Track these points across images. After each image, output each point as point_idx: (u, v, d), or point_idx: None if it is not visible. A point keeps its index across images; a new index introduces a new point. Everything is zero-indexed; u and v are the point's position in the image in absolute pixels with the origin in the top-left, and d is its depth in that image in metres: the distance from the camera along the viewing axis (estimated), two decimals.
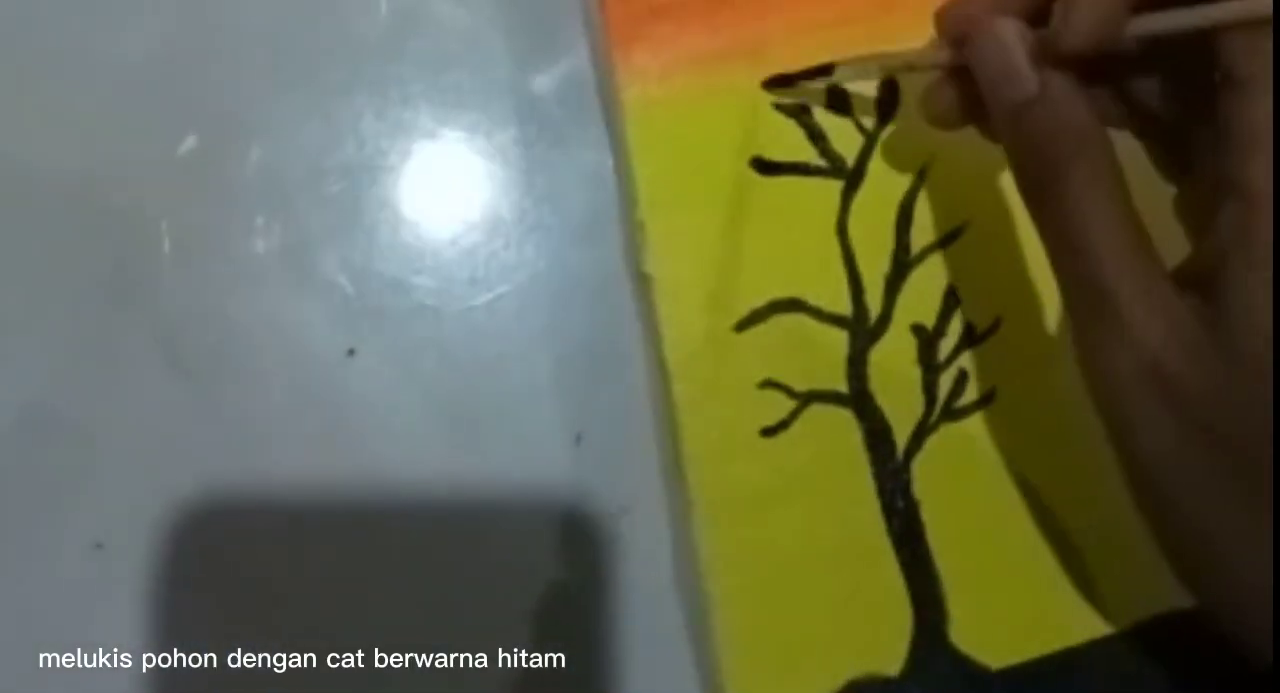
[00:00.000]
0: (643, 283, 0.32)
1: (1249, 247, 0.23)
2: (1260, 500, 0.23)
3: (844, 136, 0.32)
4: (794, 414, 0.31)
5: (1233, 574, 0.24)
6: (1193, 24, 0.25)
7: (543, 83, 0.34)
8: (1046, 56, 0.26)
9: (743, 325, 0.31)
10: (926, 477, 0.30)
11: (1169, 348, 0.24)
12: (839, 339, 0.31)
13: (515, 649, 0.31)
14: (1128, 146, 0.28)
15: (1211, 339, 0.24)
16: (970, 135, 0.32)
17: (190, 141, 0.33)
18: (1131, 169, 0.26)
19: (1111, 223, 0.25)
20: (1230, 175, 0.24)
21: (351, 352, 0.32)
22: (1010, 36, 0.26)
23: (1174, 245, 0.27)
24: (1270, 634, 0.24)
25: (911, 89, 0.32)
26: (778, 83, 0.32)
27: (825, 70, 0.31)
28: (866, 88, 0.33)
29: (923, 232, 0.32)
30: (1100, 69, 0.28)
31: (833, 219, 0.32)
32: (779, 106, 0.32)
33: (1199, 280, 0.25)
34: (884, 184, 0.32)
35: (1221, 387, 0.23)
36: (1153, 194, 0.28)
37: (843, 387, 0.31)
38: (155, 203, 0.32)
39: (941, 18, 0.29)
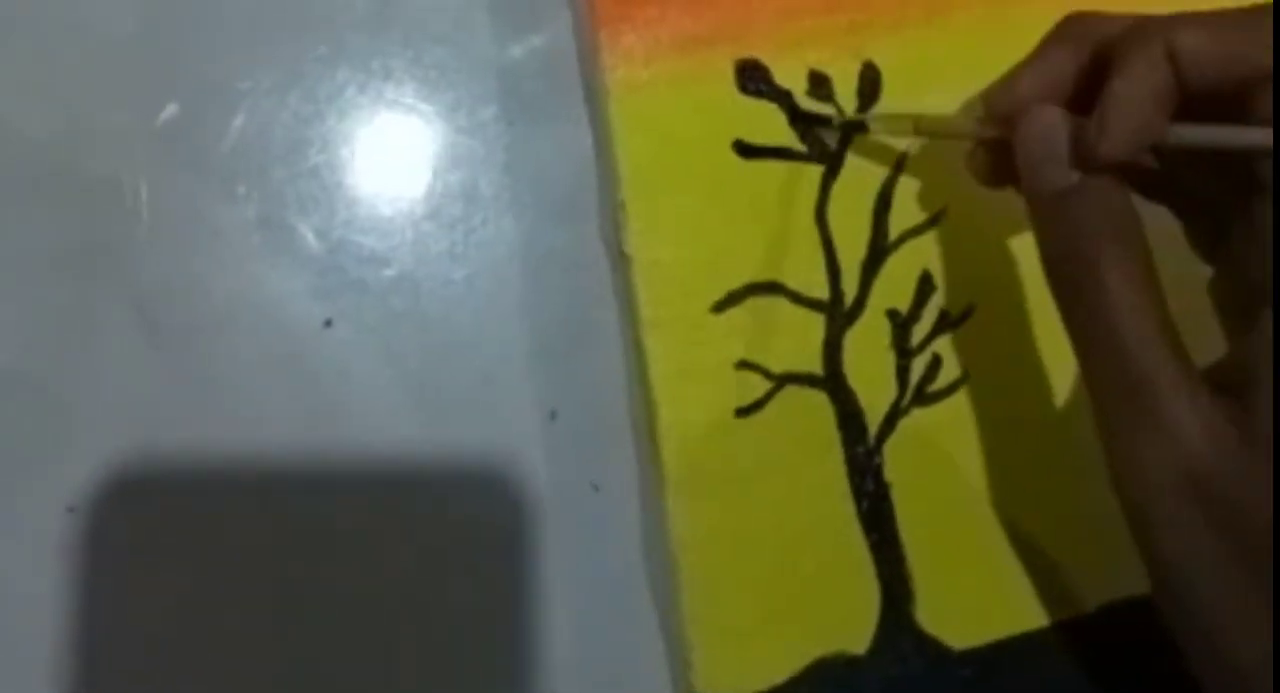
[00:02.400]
0: (622, 262, 0.32)
1: None
2: None
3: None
4: (769, 395, 0.31)
5: (1257, 683, 0.24)
6: (1231, 143, 0.25)
7: (524, 60, 0.34)
8: (1086, 152, 0.26)
9: (720, 307, 0.31)
10: (897, 460, 0.31)
11: (1204, 452, 0.24)
12: (815, 322, 0.32)
13: (482, 623, 0.31)
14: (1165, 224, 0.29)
15: (1247, 447, 0.23)
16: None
17: (171, 110, 0.33)
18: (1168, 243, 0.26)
19: (1146, 322, 0.25)
20: (1266, 285, 0.24)
21: (329, 322, 0.32)
22: (1053, 124, 0.26)
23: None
24: None
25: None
26: (814, 121, 0.32)
27: (860, 126, 0.32)
28: (848, 74, 0.33)
29: (900, 218, 0.32)
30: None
31: (812, 204, 0.32)
32: (758, 91, 0.32)
33: (1233, 383, 0.24)
34: (863, 170, 0.32)
35: (1258, 497, 0.23)
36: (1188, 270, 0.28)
37: (818, 369, 0.31)
38: (134, 170, 0.32)
39: (989, 96, 0.29)
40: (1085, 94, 0.27)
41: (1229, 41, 0.25)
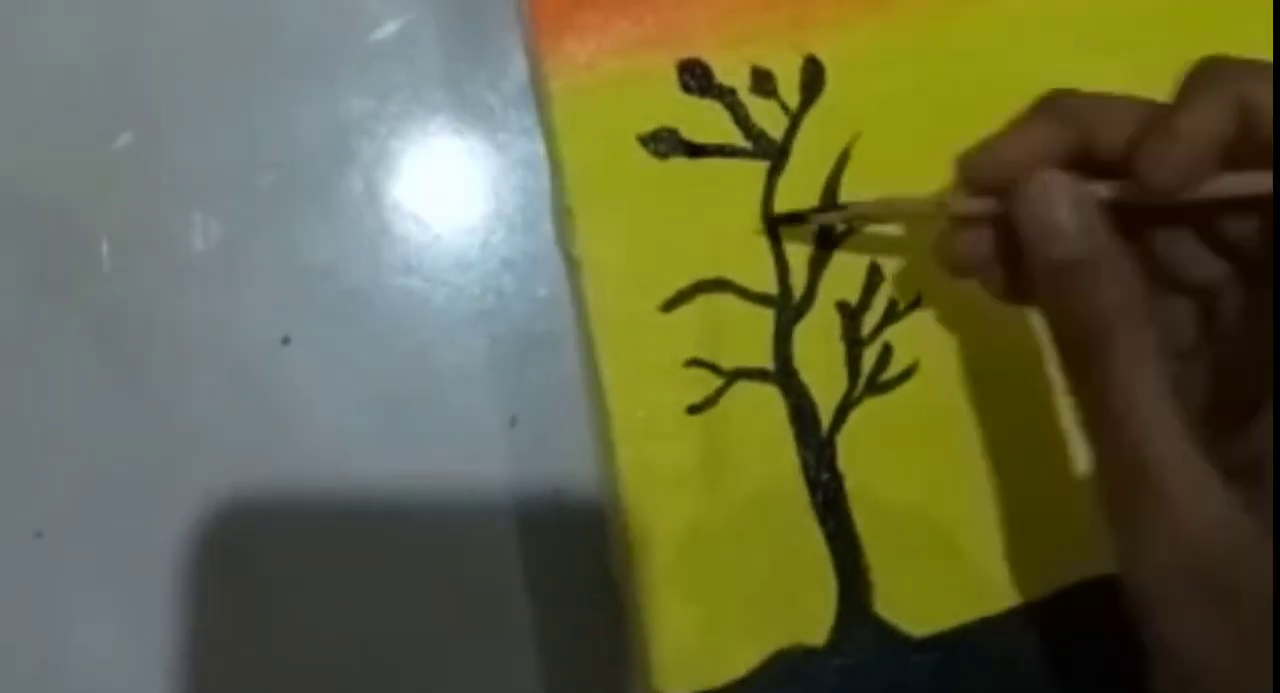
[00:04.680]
0: (572, 266, 0.32)
1: None
2: None
3: (769, 118, 0.33)
4: (720, 392, 0.31)
5: None
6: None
7: (476, 74, 0.35)
8: (1097, 218, 0.25)
9: (669, 305, 0.31)
10: (850, 450, 0.31)
11: (1215, 541, 0.23)
12: (764, 317, 0.32)
13: (449, 630, 0.31)
14: None
15: (1261, 536, 0.22)
16: (893, 113, 0.33)
17: (125, 138, 0.33)
18: None
19: (1157, 402, 0.23)
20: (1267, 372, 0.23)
21: (286, 340, 0.32)
22: (1061, 192, 0.25)
23: None
24: None
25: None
26: (788, 221, 0.32)
27: (839, 207, 0.32)
28: (790, 69, 0.33)
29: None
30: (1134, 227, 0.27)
31: (758, 200, 0.32)
32: (701, 90, 0.33)
33: (1244, 469, 0.24)
34: (808, 164, 0.33)
35: (1270, 588, 0.22)
36: None
37: (768, 364, 0.31)
38: (90, 198, 0.33)
39: (972, 164, 0.28)
40: (1077, 162, 0.26)
41: None
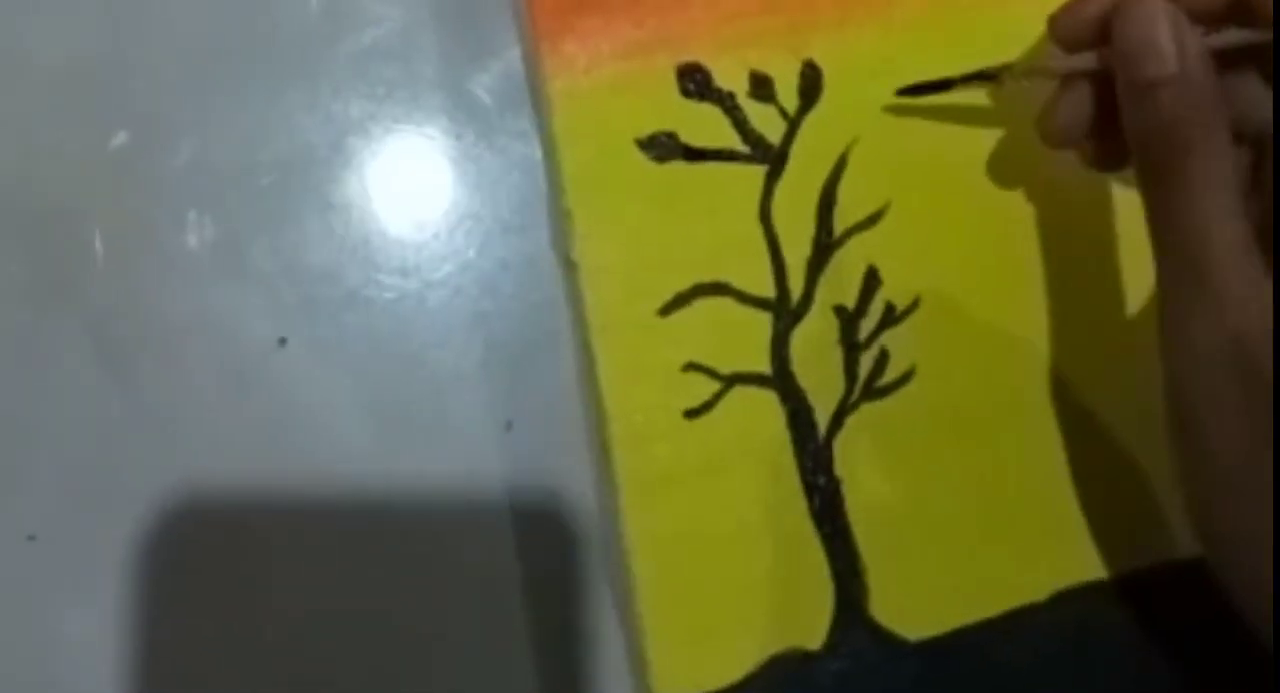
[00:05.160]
0: (569, 270, 0.32)
1: None
2: None
3: (767, 122, 0.33)
4: (717, 396, 0.31)
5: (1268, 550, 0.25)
6: None
7: (473, 75, 0.35)
8: (1191, 37, 0.26)
9: (667, 310, 0.31)
10: (847, 455, 0.31)
11: (1254, 328, 0.25)
12: (762, 321, 0.32)
13: (445, 633, 0.31)
14: None
15: None
16: (891, 118, 0.33)
17: (120, 137, 0.33)
18: None
19: (1224, 215, 0.26)
20: None
21: (283, 342, 0.32)
22: (1159, 14, 0.27)
23: None
24: None
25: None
26: (909, 92, 0.32)
27: (946, 85, 0.32)
28: (789, 74, 0.33)
29: (844, 214, 0.32)
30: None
31: (756, 204, 0.32)
32: (700, 94, 0.33)
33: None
34: (806, 168, 0.33)
35: None
36: None
37: (766, 368, 0.31)
38: (86, 198, 0.33)
39: (1062, 22, 0.29)
40: None
41: None
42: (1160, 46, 0.27)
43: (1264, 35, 0.27)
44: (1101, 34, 0.28)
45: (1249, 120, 0.29)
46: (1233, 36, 0.27)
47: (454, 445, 0.32)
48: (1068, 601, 0.30)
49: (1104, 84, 0.29)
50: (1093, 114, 0.29)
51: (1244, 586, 0.26)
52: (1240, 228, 0.26)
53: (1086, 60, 0.29)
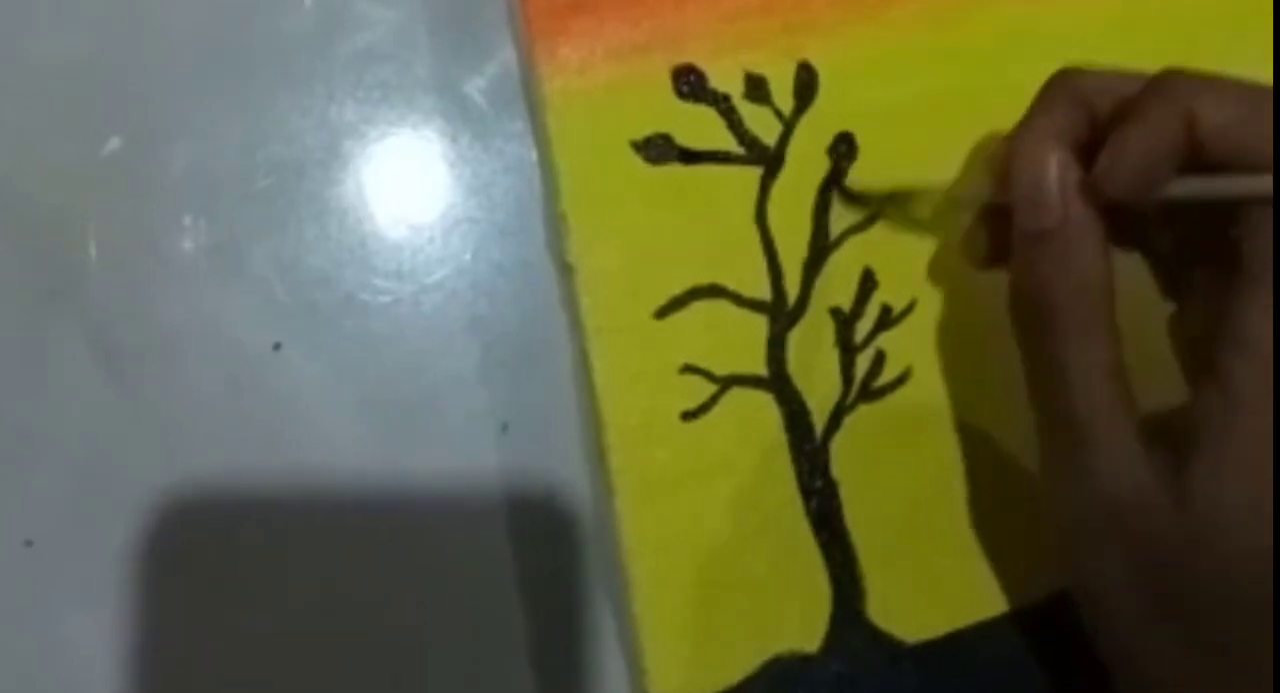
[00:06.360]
0: (565, 273, 0.32)
1: (1223, 443, 0.24)
2: (1195, 644, 0.25)
3: (762, 124, 0.33)
4: (714, 398, 0.31)
5: None
6: (1231, 193, 0.25)
7: (468, 78, 0.34)
8: (1081, 195, 0.26)
9: (663, 312, 0.31)
10: (844, 457, 0.31)
11: (1128, 500, 0.25)
12: (758, 323, 0.32)
13: (441, 636, 0.31)
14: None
15: (1170, 501, 0.25)
16: (886, 120, 0.33)
17: (115, 141, 0.33)
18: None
19: (1098, 372, 0.26)
20: (1221, 361, 0.25)
21: (278, 346, 0.32)
22: (1047, 164, 0.27)
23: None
24: None
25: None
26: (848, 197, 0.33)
27: (865, 201, 0.32)
28: (784, 75, 0.33)
29: (840, 216, 0.32)
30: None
31: (752, 206, 0.32)
32: (695, 95, 0.33)
33: (1172, 433, 0.25)
34: (802, 170, 0.33)
35: (1178, 554, 0.25)
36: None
37: (762, 370, 0.31)
38: (82, 201, 0.32)
39: (994, 161, 0.30)
40: (1085, 150, 0.27)
41: (1248, 122, 0.25)
42: (1045, 196, 0.26)
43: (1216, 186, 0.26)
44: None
45: (1158, 240, 0.29)
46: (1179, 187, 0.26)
47: (450, 448, 0.32)
48: (1065, 603, 0.30)
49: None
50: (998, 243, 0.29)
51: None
52: (1110, 394, 0.26)
53: (982, 194, 0.29)
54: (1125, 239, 0.29)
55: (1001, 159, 0.29)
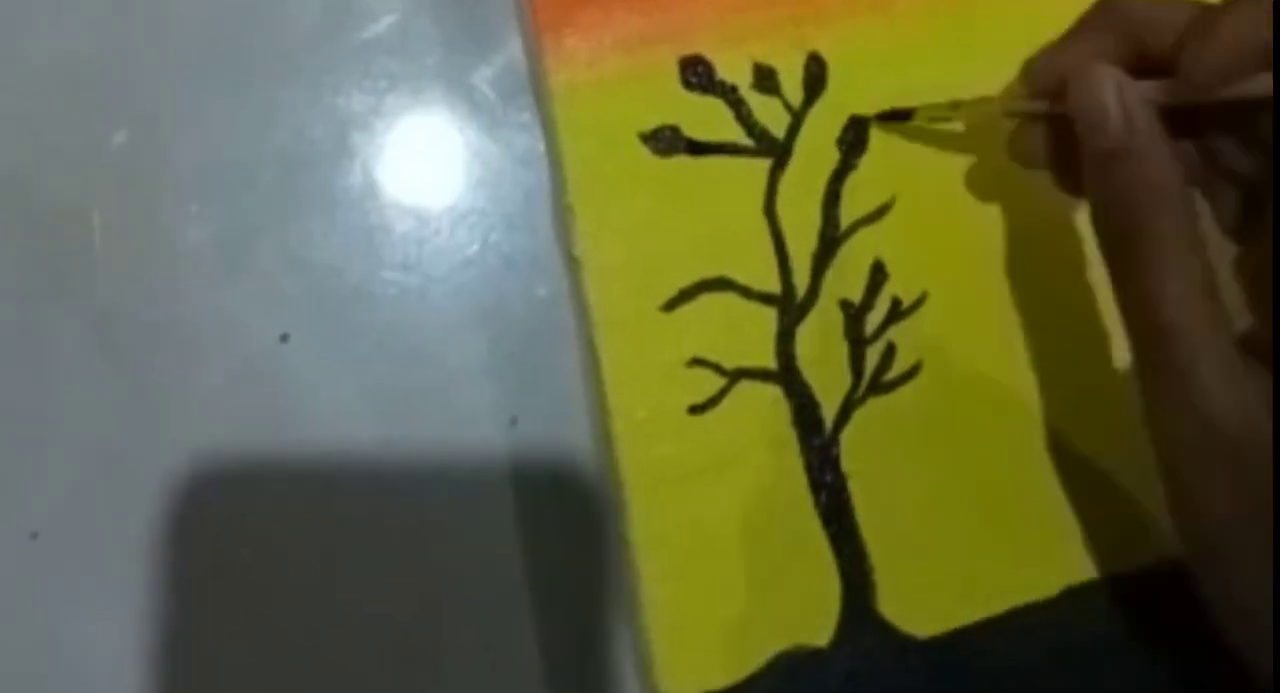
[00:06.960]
0: (572, 266, 0.32)
1: None
2: None
3: (771, 115, 0.33)
4: (723, 392, 0.31)
5: (1266, 624, 0.24)
6: None
7: (475, 69, 0.34)
8: (1139, 108, 0.26)
9: (671, 305, 0.31)
10: (854, 450, 0.31)
11: (1231, 416, 0.24)
12: (767, 316, 0.31)
13: (449, 629, 0.31)
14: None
15: (1268, 415, 0.24)
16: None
17: (122, 134, 0.33)
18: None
19: (1188, 284, 0.25)
20: None
21: (285, 337, 0.32)
22: (1107, 85, 0.27)
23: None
24: None
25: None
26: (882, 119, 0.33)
27: (905, 115, 0.32)
28: (793, 66, 0.33)
29: (850, 208, 0.32)
30: (1184, 126, 0.28)
31: (760, 198, 0.32)
32: (704, 87, 0.32)
33: (1263, 350, 0.25)
34: (811, 162, 0.32)
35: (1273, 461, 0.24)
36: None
37: (771, 363, 0.31)
38: (89, 194, 0.33)
39: (1032, 69, 0.29)
40: (1133, 63, 0.27)
41: None
42: (1107, 118, 0.26)
43: (1232, 91, 0.26)
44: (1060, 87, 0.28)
45: (1230, 167, 0.28)
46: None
47: (459, 442, 0.32)
48: (1076, 598, 0.30)
49: (1057, 123, 0.29)
50: (1050, 148, 0.30)
51: (1236, 615, 0.26)
52: (1204, 307, 0.25)
53: (1037, 107, 0.29)
54: (1189, 177, 0.28)
55: (1044, 70, 0.29)
